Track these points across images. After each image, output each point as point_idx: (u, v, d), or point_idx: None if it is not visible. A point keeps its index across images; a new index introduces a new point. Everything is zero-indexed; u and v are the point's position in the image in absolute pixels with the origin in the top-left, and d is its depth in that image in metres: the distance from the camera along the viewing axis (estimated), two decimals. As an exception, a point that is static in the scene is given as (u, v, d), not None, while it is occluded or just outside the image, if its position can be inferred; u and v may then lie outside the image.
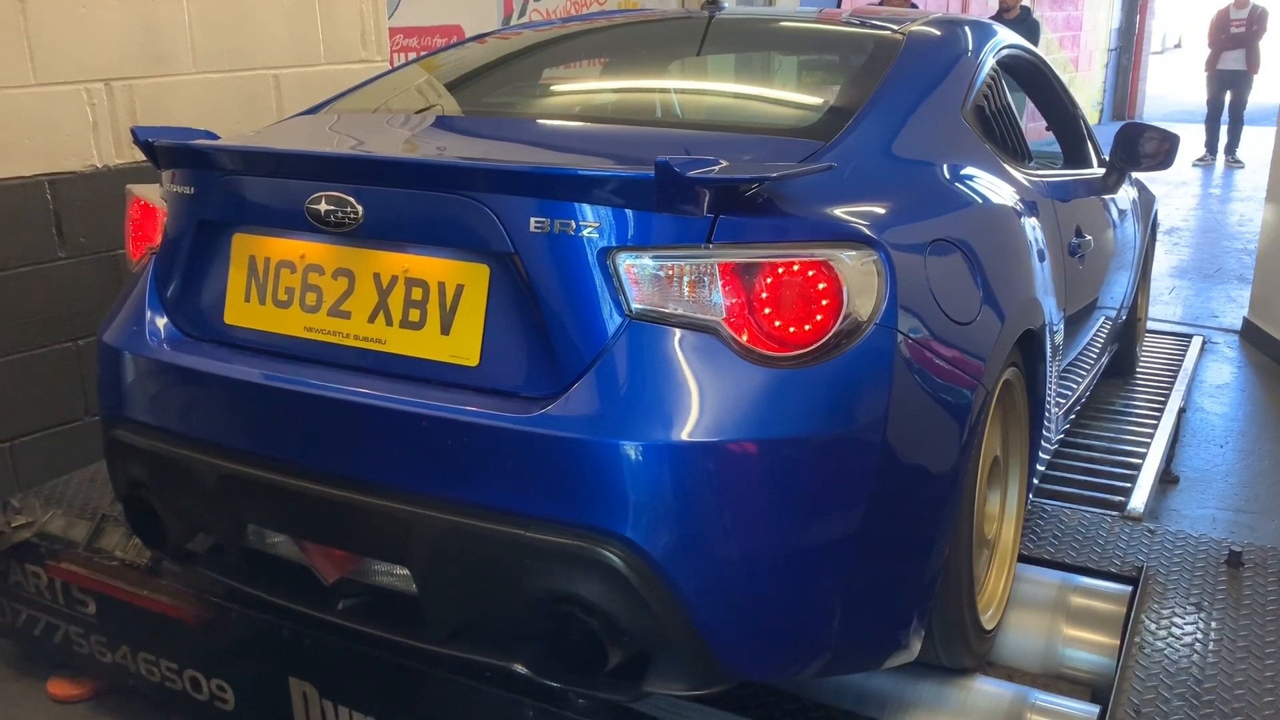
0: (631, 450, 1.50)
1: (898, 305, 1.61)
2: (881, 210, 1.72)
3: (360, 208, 1.67)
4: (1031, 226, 2.23)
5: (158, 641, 2.41)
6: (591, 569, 1.54)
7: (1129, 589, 2.28)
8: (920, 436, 1.67)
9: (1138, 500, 2.77)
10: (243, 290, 1.86)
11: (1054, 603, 2.24)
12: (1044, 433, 2.40)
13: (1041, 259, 2.25)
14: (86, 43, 3.15)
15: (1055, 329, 2.39)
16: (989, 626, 2.05)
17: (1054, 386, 2.50)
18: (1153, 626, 2.12)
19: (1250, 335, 5.54)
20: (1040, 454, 2.42)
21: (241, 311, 1.86)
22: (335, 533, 1.76)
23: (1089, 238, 2.77)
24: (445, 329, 1.66)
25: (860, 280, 1.59)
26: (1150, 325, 5.38)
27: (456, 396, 1.62)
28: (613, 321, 1.55)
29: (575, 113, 2.39)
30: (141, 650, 2.44)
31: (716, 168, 1.53)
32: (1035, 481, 2.49)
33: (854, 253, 1.59)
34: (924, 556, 1.73)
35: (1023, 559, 2.41)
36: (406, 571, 1.71)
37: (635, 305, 1.55)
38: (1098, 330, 3.27)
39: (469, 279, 1.64)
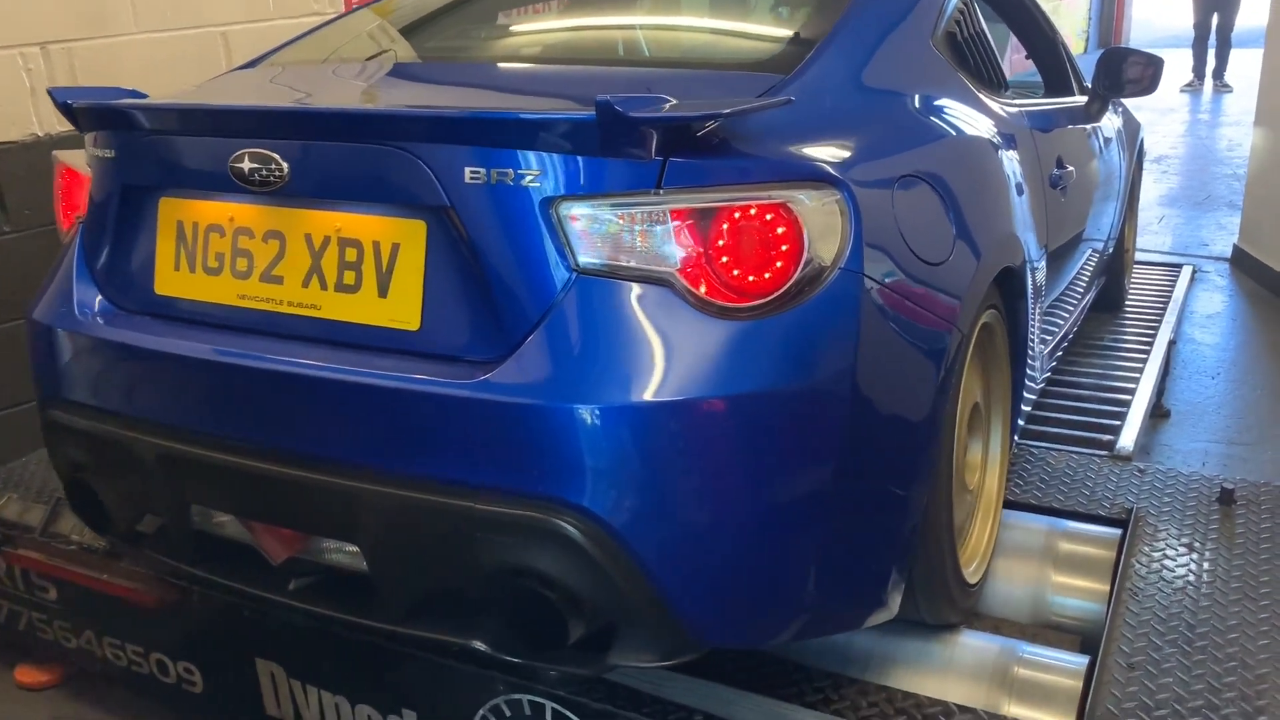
0: (583, 414, 1.40)
1: (863, 247, 1.51)
2: (845, 146, 1.61)
3: (285, 164, 1.56)
4: (1009, 159, 2.12)
5: (121, 625, 2.33)
6: (547, 541, 1.45)
7: (1119, 532, 2.20)
8: (892, 385, 1.58)
9: (1127, 439, 2.69)
10: (172, 258, 1.75)
11: (1042, 550, 2.16)
12: (1028, 375, 2.31)
13: (1020, 193, 2.14)
14: (19, 5, 3.00)
15: (1037, 266, 2.29)
16: (973, 579, 1.97)
17: (1037, 326, 2.41)
18: (1143, 571, 2.05)
19: (1241, 262, 5.45)
20: (1025, 397, 2.33)
21: (172, 280, 1.75)
22: (278, 511, 1.67)
23: (1071, 168, 2.66)
24: (383, 291, 1.56)
25: (822, 222, 1.48)
26: (1139, 256, 5.28)
27: (397, 363, 1.53)
28: (559, 277, 1.45)
29: (525, 54, 2.26)
30: (106, 635, 2.36)
31: (664, 106, 1.42)
32: (1020, 425, 2.40)
33: (814, 193, 1.48)
34: (900, 510, 1.64)
35: (1009, 505, 2.33)
36: (356, 549, 1.62)
37: (582, 258, 1.45)
38: (1084, 264, 3.17)
39: (405, 237, 1.54)
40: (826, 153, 1.56)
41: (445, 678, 1.92)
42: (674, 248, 1.44)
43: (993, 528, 2.11)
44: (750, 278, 1.46)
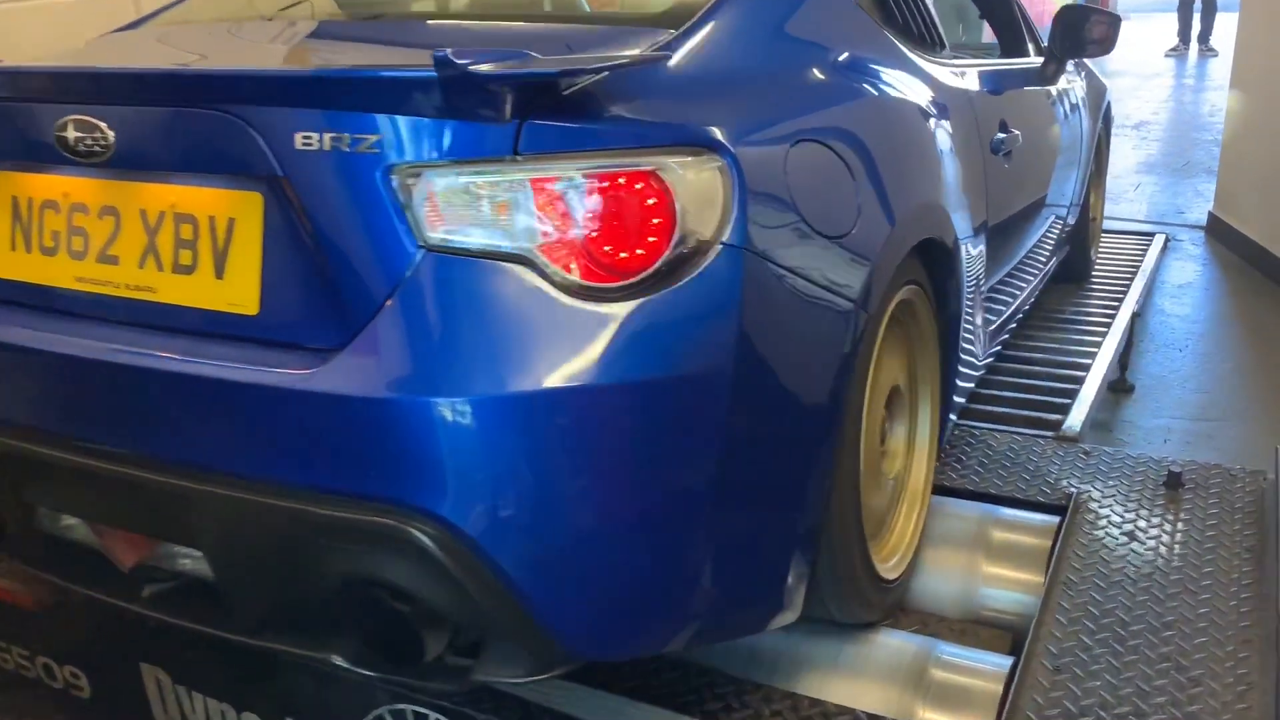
0: (428, 408, 1.26)
1: (748, 220, 1.36)
2: (734, 108, 1.45)
3: (110, 132, 1.40)
4: (936, 122, 1.97)
5: (4, 627, 2.20)
6: (395, 549, 1.31)
7: (1056, 520, 2.07)
8: (783, 370, 1.43)
9: (1076, 418, 2.55)
10: (7, 237, 1.60)
11: (973, 539, 2.04)
12: (964, 354, 2.17)
13: (950, 159, 1.99)
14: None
15: (973, 237, 2.14)
16: (892, 574, 1.84)
17: (978, 301, 2.27)
18: (1078, 563, 1.92)
19: (1215, 230, 5.31)
20: (961, 378, 2.19)
21: (8, 261, 1.60)
22: (117, 513, 1.53)
23: (1017, 133, 2.50)
24: (219, 272, 1.41)
25: (700, 193, 1.33)
26: (1110, 225, 5.14)
27: (233, 352, 1.38)
28: (404, 254, 1.30)
29: (421, 11, 2.10)
30: (-10, 636, 2.23)
31: (516, 61, 1.27)
32: (959, 404, 2.27)
33: (691, 160, 1.33)
34: (797, 505, 1.51)
35: (943, 491, 2.20)
36: (201, 554, 1.48)
37: (430, 234, 1.30)
38: (1041, 234, 3.03)
39: (241, 211, 1.38)
40: (710, 115, 1.40)
41: (328, 685, 1.79)
42: (533, 222, 1.29)
43: (919, 518, 1.98)
44: (621, 255, 1.31)
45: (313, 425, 1.31)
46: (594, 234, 1.30)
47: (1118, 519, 2.06)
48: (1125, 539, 2.00)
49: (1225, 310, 4.50)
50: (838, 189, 1.54)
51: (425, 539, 1.28)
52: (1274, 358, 3.93)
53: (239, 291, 1.40)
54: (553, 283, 1.29)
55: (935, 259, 1.91)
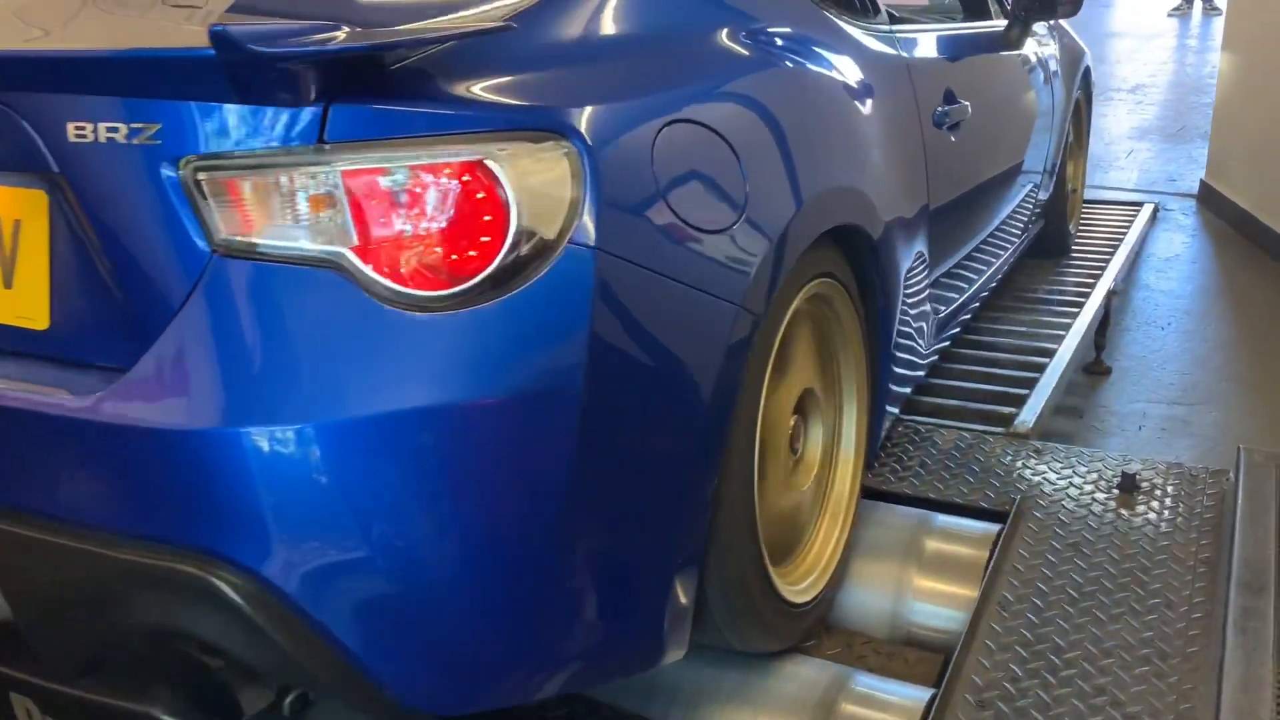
0: (218, 440, 1.09)
1: (603, 217, 1.18)
2: (593, 85, 1.27)
3: None
4: (857, 96, 1.78)
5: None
6: (197, 599, 1.14)
7: (997, 528, 1.90)
8: (648, 384, 1.26)
9: (1030, 412, 2.37)
10: None
11: (906, 549, 1.87)
12: (902, 349, 2.00)
13: (876, 137, 1.81)
14: None
15: (908, 221, 1.96)
16: (804, 598, 1.67)
17: (919, 290, 2.09)
18: (1014, 580, 1.75)
19: (1207, 199, 5.09)
20: (899, 375, 2.02)
21: None
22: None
23: (966, 104, 2.31)
24: (8, 281, 1.24)
25: (541, 186, 1.16)
26: (1097, 195, 4.94)
27: (20, 371, 1.21)
28: (194, 260, 1.13)
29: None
30: None
31: (319, 35, 1.09)
32: (895, 404, 2.09)
33: (530, 147, 1.16)
34: (673, 532, 1.34)
35: (879, 496, 2.04)
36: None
37: (224, 236, 1.13)
38: (1005, 211, 2.84)
39: (26, 211, 1.21)
40: (561, 94, 1.23)
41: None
42: (343, 220, 1.12)
43: (842, 532, 1.81)
44: (449, 258, 1.13)
45: (93, 459, 1.15)
46: (414, 234, 1.12)
47: (1062, 528, 1.90)
48: (1071, 550, 1.83)
49: (1212, 284, 4.29)
50: (720, 176, 1.36)
51: (227, 588, 1.12)
52: (1258, 334, 3.74)
53: (28, 303, 1.23)
54: (369, 290, 1.12)
55: (857, 248, 1.74)
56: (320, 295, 1.12)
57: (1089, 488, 2.01)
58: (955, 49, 2.44)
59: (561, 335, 1.17)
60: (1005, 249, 2.97)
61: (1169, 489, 1.99)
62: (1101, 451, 2.14)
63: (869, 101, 1.82)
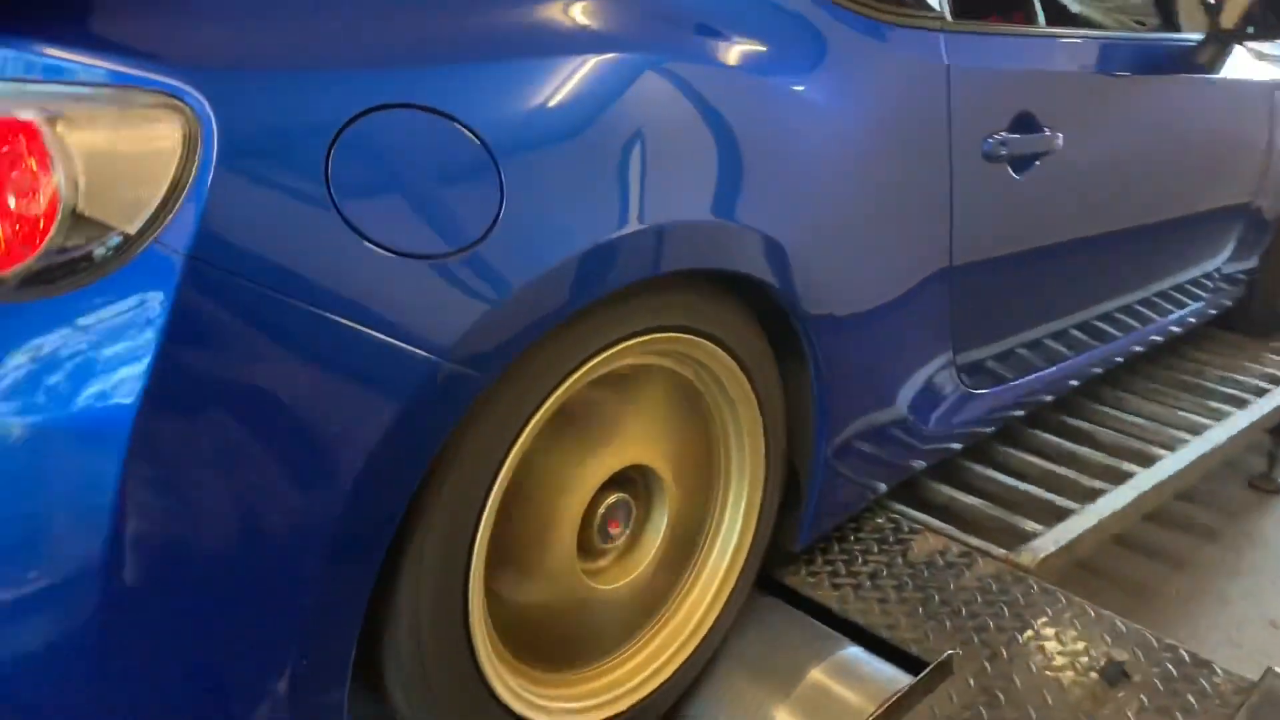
0: None
1: (211, 212, 0.90)
2: (254, 46, 0.97)
3: None
4: (793, 102, 1.38)
5: None
6: None
7: (907, 679, 1.48)
8: (247, 459, 0.96)
9: (1052, 537, 1.84)
10: None
11: (783, 675, 1.49)
12: (866, 435, 1.60)
13: (826, 163, 1.40)
14: None
15: (889, 277, 1.54)
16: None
17: (915, 365, 1.66)
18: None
19: None
20: (857, 464, 1.62)
21: None
22: None
23: (1050, 133, 1.80)
24: None
25: (122, 164, 0.90)
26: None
27: None
28: None
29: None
30: None
31: None
32: (847, 499, 1.69)
33: (114, 110, 0.89)
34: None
35: (800, 602, 1.66)
36: None
37: None
38: (1140, 278, 2.27)
39: None
40: (195, 49, 0.94)
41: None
42: None
43: (680, 651, 1.45)
44: (8, 235, 0.90)
45: None
46: (-44, 203, 0.90)
47: (989, 708, 1.44)
48: (982, 742, 1.39)
49: None
50: (457, 184, 1.04)
51: None
52: None
53: None
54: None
55: (772, 305, 1.36)
56: None
57: (1059, 660, 1.53)
58: (1075, 60, 1.91)
59: (113, 366, 0.90)
60: (1134, 324, 2.38)
61: (1165, 686, 1.47)
62: (1116, 619, 1.63)
63: (830, 114, 1.41)
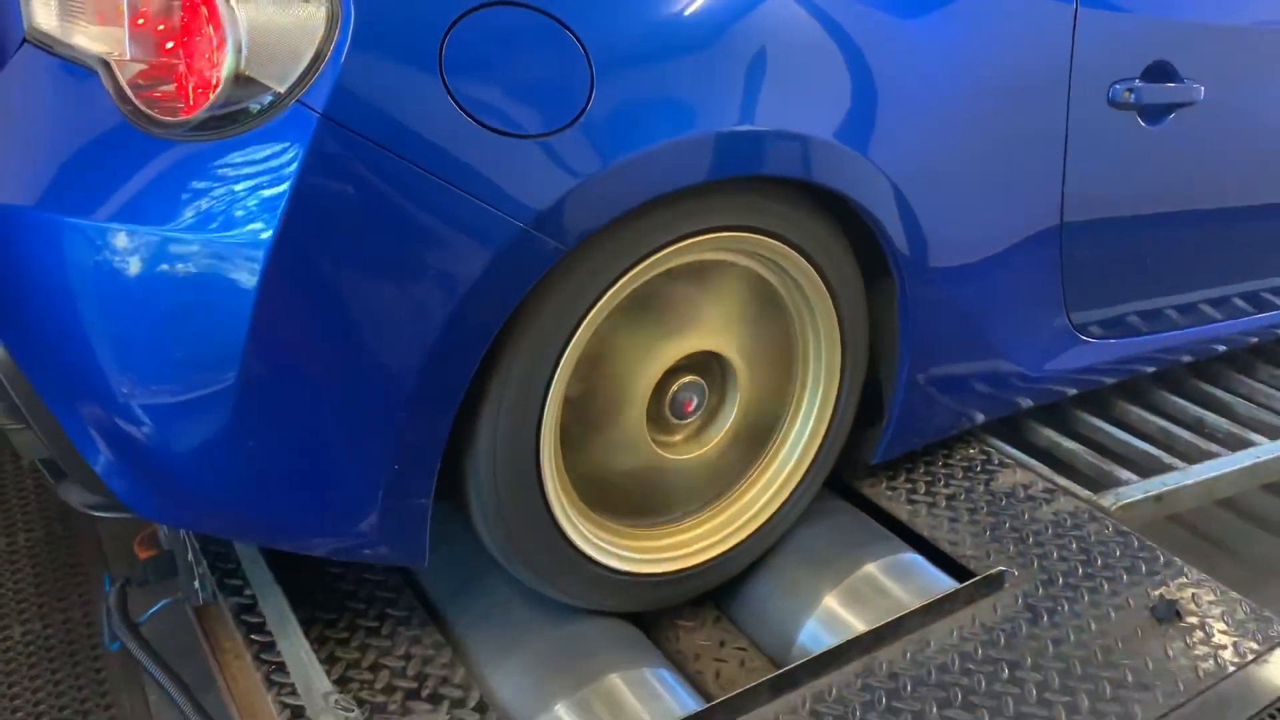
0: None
1: (346, 76, 1.10)
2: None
3: None
4: (896, 33, 1.45)
5: None
6: None
7: (951, 585, 1.57)
8: (352, 283, 1.17)
9: (1139, 488, 1.85)
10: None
11: (838, 566, 1.61)
12: (965, 374, 1.69)
13: (932, 95, 1.48)
14: None
15: (992, 220, 1.61)
16: (629, 566, 1.49)
17: (1019, 301, 1.72)
18: (907, 651, 1.45)
19: None
20: (955, 390, 1.71)
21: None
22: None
23: (1190, 83, 1.77)
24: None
25: (279, 31, 1.11)
26: None
27: None
28: (11, 43, 1.24)
29: None
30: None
31: None
32: (931, 420, 1.77)
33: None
34: (378, 428, 1.24)
35: (870, 508, 1.76)
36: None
37: (38, 20, 1.23)
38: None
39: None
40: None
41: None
42: (114, 27, 1.16)
43: (751, 523, 1.60)
44: (169, 89, 1.15)
45: None
46: (156, 60, 1.14)
47: (1036, 627, 1.51)
48: (999, 662, 1.47)
49: None
50: (549, 74, 1.20)
51: None
52: None
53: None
54: (117, 99, 1.16)
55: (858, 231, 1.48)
56: (80, 98, 1.18)
57: (1115, 595, 1.57)
58: (1222, 10, 1.86)
59: (260, 197, 1.12)
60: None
61: (1215, 631, 1.50)
62: (1186, 565, 1.64)
63: (946, 51, 1.48)
